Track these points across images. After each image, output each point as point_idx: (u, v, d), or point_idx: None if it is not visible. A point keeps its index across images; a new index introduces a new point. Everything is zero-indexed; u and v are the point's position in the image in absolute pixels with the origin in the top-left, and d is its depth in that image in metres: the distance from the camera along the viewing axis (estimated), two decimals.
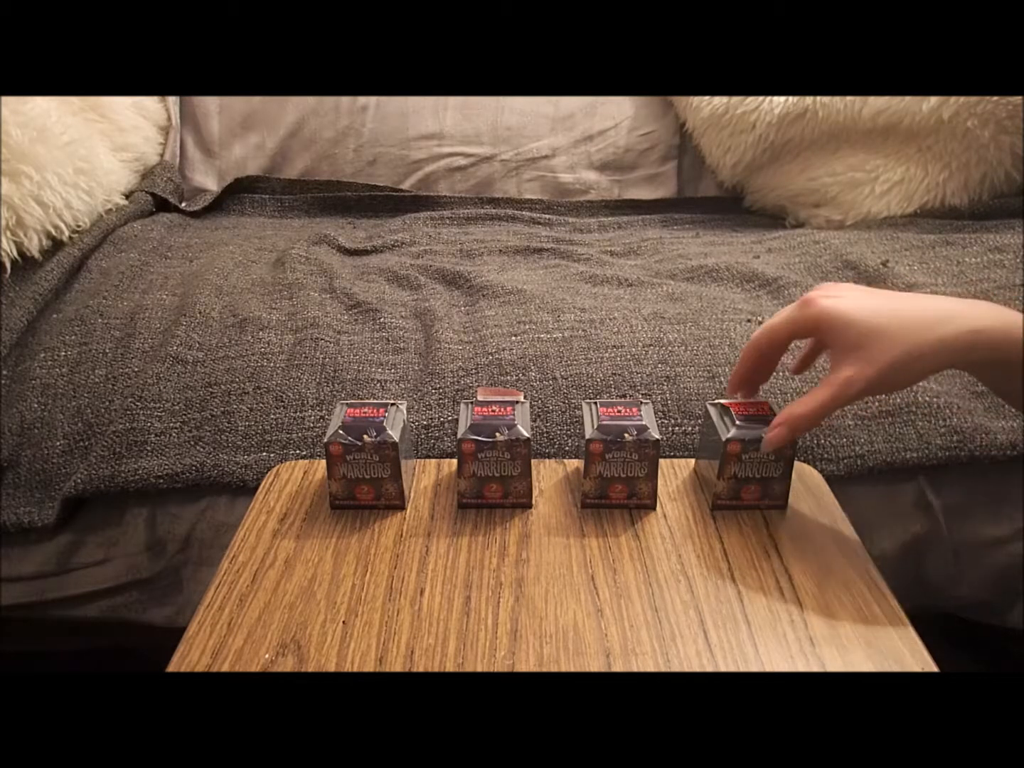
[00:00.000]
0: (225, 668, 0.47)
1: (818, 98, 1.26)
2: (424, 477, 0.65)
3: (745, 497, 0.60)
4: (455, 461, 0.64)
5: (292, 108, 1.43)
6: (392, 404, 0.61)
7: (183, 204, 1.38)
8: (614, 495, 0.60)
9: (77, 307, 0.96)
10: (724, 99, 1.33)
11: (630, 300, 0.98)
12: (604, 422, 0.58)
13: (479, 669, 0.47)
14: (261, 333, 0.90)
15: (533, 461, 0.67)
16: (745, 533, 0.58)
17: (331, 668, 0.47)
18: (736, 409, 0.59)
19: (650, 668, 0.47)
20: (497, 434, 0.58)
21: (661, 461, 0.67)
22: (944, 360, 0.50)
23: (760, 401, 0.60)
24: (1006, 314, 0.50)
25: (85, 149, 1.16)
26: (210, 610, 0.52)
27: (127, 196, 1.28)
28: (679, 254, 1.17)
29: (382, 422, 0.58)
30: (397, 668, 0.47)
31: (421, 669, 0.47)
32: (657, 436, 0.58)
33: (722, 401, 0.61)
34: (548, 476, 0.65)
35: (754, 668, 0.47)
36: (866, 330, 0.51)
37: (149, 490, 0.76)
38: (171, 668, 0.47)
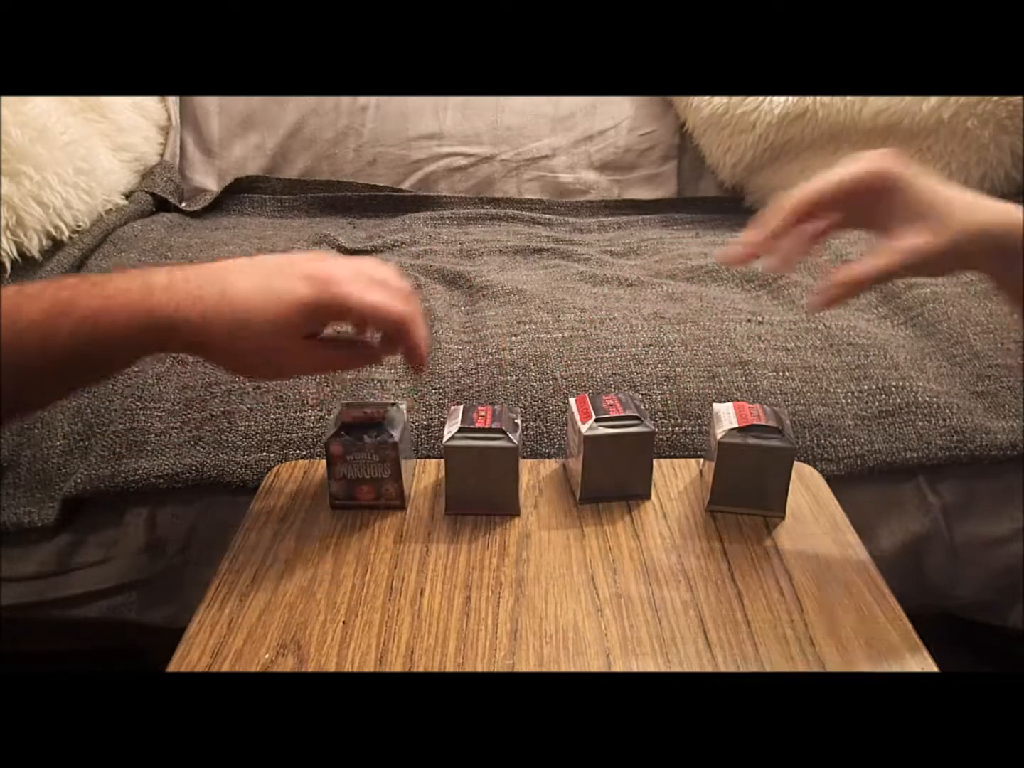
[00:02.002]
0: (225, 668, 0.47)
1: (818, 98, 1.26)
2: (424, 477, 0.65)
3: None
4: None
5: (292, 108, 1.43)
6: (392, 404, 0.61)
7: (183, 204, 1.37)
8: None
9: None
10: (724, 99, 1.32)
11: (630, 300, 0.98)
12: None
13: (479, 669, 0.47)
14: None
15: (532, 461, 0.67)
16: (745, 533, 0.58)
17: (331, 668, 0.47)
18: (741, 419, 0.59)
19: (650, 668, 0.47)
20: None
21: (663, 461, 0.67)
22: (987, 243, 0.47)
23: (755, 405, 0.60)
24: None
25: (85, 149, 1.16)
26: (210, 610, 0.52)
27: (127, 196, 1.28)
28: (679, 254, 1.17)
29: (382, 422, 0.58)
30: (397, 668, 0.47)
31: (421, 669, 0.47)
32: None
33: (729, 403, 0.61)
34: (548, 476, 0.65)
35: (754, 668, 0.47)
36: (941, 199, 0.47)
37: (149, 490, 0.76)
38: (171, 668, 0.48)
